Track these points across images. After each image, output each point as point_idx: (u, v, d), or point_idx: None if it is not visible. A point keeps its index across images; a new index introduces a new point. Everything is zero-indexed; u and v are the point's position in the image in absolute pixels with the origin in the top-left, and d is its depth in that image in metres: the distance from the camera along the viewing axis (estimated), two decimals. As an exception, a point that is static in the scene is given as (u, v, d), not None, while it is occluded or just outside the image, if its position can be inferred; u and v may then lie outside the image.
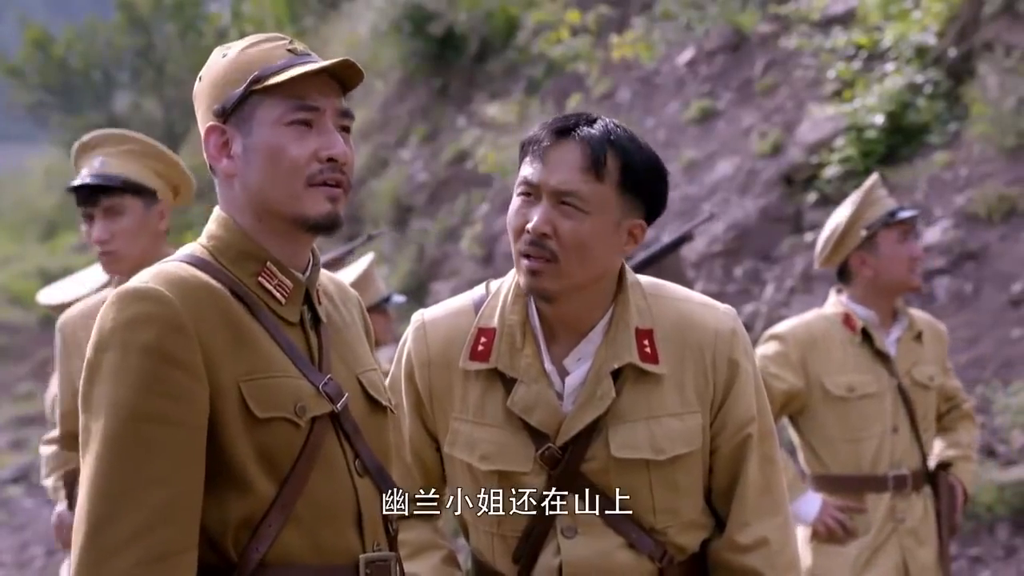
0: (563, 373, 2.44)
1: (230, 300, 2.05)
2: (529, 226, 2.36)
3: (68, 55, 27.31)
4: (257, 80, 2.07)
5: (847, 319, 4.14)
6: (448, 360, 2.48)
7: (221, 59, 2.11)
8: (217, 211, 2.14)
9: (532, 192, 2.38)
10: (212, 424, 2.00)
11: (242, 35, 21.95)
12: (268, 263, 2.10)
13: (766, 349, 4.13)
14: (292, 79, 2.06)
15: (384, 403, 2.22)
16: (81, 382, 2.01)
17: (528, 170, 2.40)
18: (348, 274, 4.90)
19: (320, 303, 2.18)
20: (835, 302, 4.21)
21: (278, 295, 2.10)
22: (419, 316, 2.56)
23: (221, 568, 2.02)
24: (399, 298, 5.13)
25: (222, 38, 22.76)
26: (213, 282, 2.04)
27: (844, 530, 4.07)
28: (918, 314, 4.30)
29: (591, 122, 2.40)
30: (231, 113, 2.08)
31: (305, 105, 2.08)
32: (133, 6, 25.60)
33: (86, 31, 27.67)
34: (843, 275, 4.23)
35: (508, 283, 2.50)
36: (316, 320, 2.16)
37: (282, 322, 2.10)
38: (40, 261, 20.84)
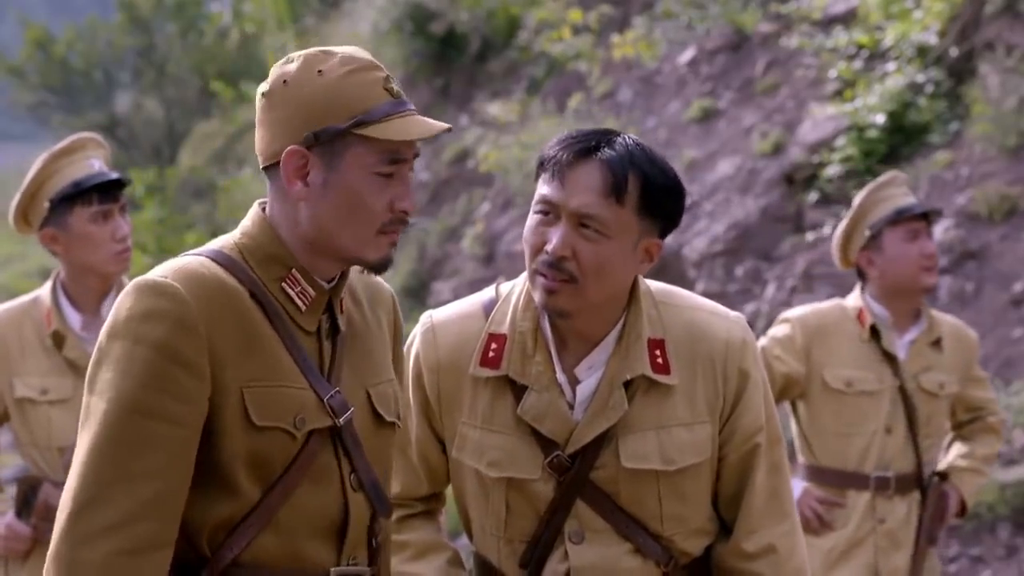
0: (574, 382, 2.43)
1: (247, 302, 2.04)
2: (548, 247, 2.34)
3: (69, 55, 27.26)
4: (361, 123, 2.04)
5: (860, 315, 4.09)
6: (457, 365, 2.46)
7: (316, 76, 2.06)
8: (258, 210, 2.13)
9: (551, 211, 2.36)
10: (209, 425, 2.01)
11: (243, 35, 21.93)
12: (294, 270, 2.09)
13: (775, 331, 4.10)
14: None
15: (390, 419, 2.21)
16: (90, 364, 2.02)
17: (546, 189, 2.37)
18: None
19: (342, 311, 2.16)
20: (856, 295, 4.15)
21: (299, 302, 2.09)
22: (427, 318, 2.54)
23: (191, 563, 2.03)
24: None
25: (223, 38, 22.78)
26: (233, 282, 2.04)
27: (820, 521, 4.05)
28: (946, 320, 4.22)
29: (611, 141, 2.37)
30: (316, 143, 2.05)
31: (398, 159, 2.07)
32: (134, 6, 25.55)
33: (87, 31, 27.62)
34: (860, 273, 4.18)
35: (519, 288, 2.48)
36: (335, 329, 2.15)
37: (298, 330, 2.09)
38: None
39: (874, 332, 4.08)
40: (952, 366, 4.14)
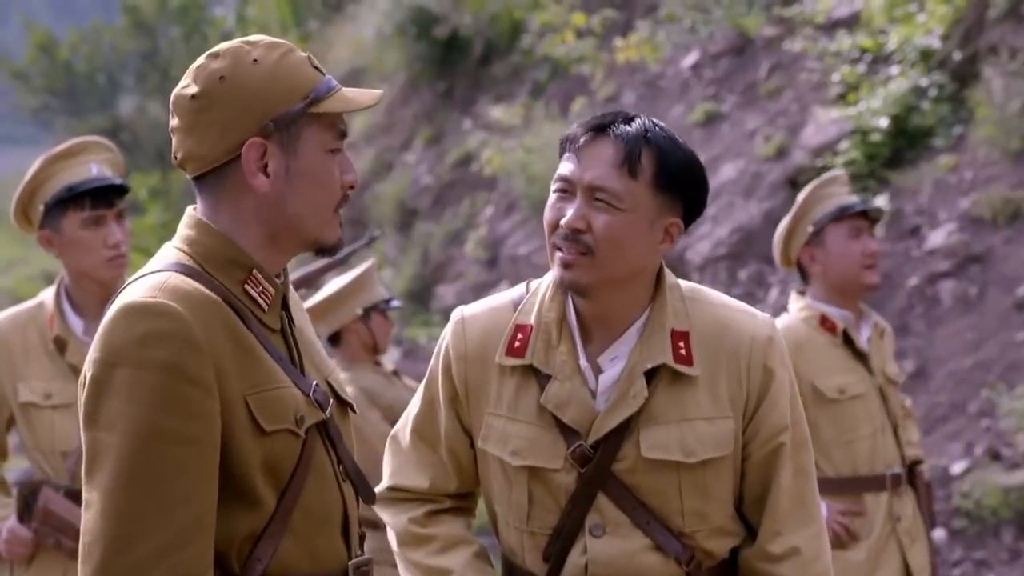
0: (597, 371, 2.45)
1: (227, 310, 2.01)
2: (563, 221, 2.38)
3: (73, 58, 27.34)
4: (314, 101, 2.03)
5: (824, 321, 4.10)
6: (485, 355, 2.49)
7: (253, 65, 2.03)
8: (193, 216, 2.08)
9: (568, 188, 2.40)
10: (222, 439, 1.97)
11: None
12: (254, 270, 2.06)
13: None
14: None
15: (350, 402, 2.22)
16: (85, 398, 1.96)
17: (564, 167, 2.42)
18: (348, 275, 4.89)
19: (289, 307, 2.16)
20: (803, 305, 4.15)
21: (262, 302, 2.06)
22: (458, 312, 2.57)
23: None
24: (395, 303, 5.13)
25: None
26: (210, 292, 2.00)
27: (849, 534, 4.05)
28: (873, 312, 4.28)
29: (628, 120, 2.41)
30: (274, 130, 2.03)
31: (344, 133, 2.08)
32: (138, 9, 25.61)
33: (91, 34, 27.69)
34: (803, 275, 4.20)
35: (547, 281, 2.51)
36: (291, 324, 2.14)
37: (266, 329, 2.07)
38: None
39: (844, 335, 4.10)
40: (891, 355, 4.23)
